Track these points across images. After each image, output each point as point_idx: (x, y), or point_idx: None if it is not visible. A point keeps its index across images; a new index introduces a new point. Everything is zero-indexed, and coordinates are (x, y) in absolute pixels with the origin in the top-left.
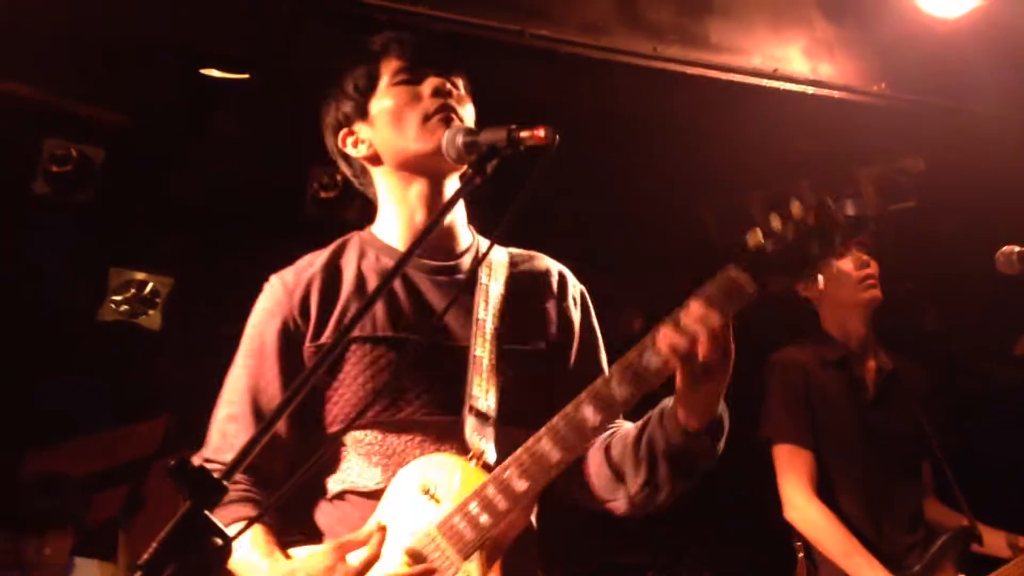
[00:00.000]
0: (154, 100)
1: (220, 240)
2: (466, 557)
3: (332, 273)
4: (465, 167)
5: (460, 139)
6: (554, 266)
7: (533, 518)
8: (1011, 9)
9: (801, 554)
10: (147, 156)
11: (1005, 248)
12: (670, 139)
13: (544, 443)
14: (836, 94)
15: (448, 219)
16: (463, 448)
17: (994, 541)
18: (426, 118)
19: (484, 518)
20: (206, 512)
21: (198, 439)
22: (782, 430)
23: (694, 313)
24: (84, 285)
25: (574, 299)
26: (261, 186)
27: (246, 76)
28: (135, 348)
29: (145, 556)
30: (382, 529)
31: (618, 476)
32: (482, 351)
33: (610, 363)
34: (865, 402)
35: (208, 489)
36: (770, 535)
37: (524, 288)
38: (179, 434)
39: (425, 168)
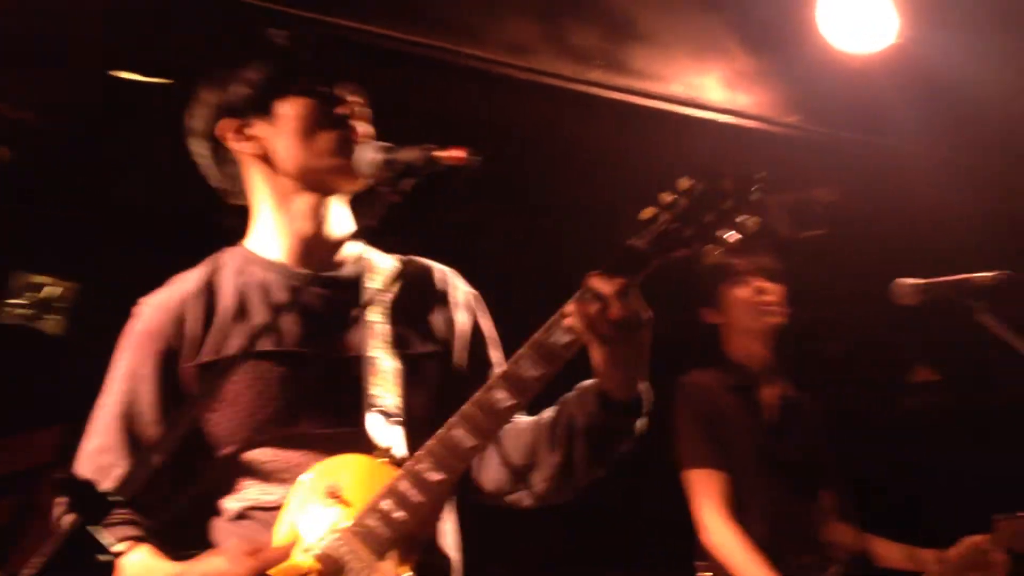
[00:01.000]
0: (65, 100)
1: (128, 246)
2: (381, 556)
3: (208, 291)
4: (357, 190)
5: (376, 156)
6: (440, 269)
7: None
8: (924, 46)
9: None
10: (54, 157)
11: (899, 280)
12: (590, 161)
13: (457, 431)
14: (752, 124)
15: (336, 231)
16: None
17: (893, 554)
18: (341, 140)
19: (398, 513)
20: (91, 528)
21: None
22: (694, 455)
23: (595, 281)
24: None
25: (461, 301)
26: (173, 192)
27: (168, 81)
28: (35, 353)
29: (27, 571)
30: (295, 541)
31: (518, 467)
32: (380, 355)
33: None
34: (767, 427)
35: (96, 505)
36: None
37: (411, 291)
38: (75, 443)
39: (322, 185)
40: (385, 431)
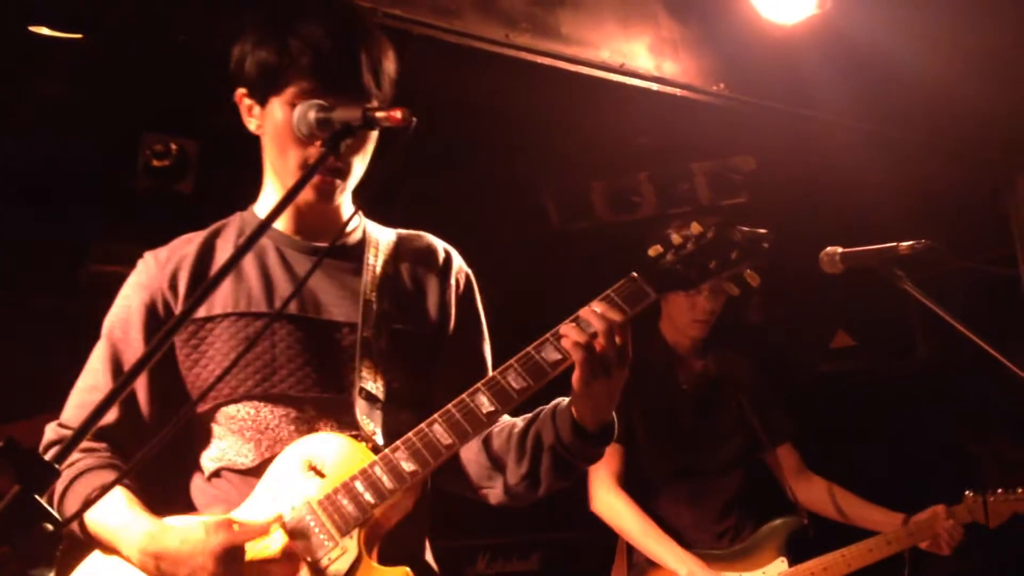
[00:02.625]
0: None
1: (42, 207)
2: (345, 533)
3: (206, 250)
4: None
5: (312, 115)
6: (440, 246)
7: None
8: (847, 18)
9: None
10: None
11: (828, 249)
12: (517, 126)
13: (436, 428)
14: (678, 92)
15: (339, 198)
16: (339, 426)
17: (857, 511)
18: (303, 165)
19: (368, 496)
20: (36, 496)
21: (18, 410)
22: None
23: (596, 310)
24: None
25: (457, 281)
26: (90, 153)
27: (78, 36)
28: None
29: None
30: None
31: (496, 466)
32: (370, 332)
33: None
34: (684, 404)
35: (39, 472)
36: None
37: (409, 268)
38: None
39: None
40: (368, 416)
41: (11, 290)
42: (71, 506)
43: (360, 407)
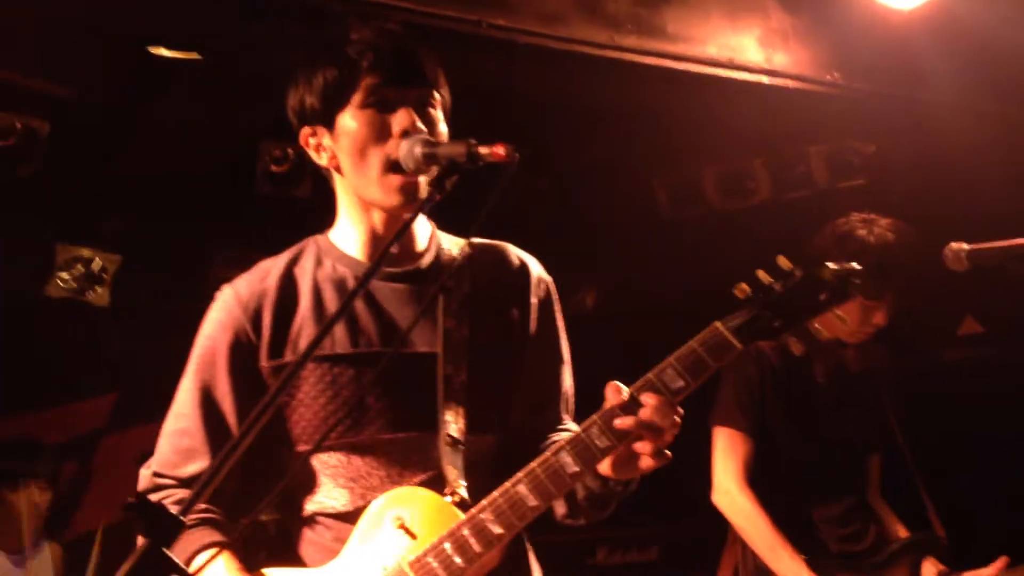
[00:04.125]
0: (101, 75)
1: (168, 216)
2: None
3: (287, 285)
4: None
5: (419, 150)
6: (518, 259)
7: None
8: (964, 2)
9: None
10: (93, 131)
11: (953, 245)
12: (625, 126)
13: (521, 488)
14: (790, 83)
15: (415, 229)
16: (427, 465)
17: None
18: (387, 167)
19: (458, 559)
20: (164, 550)
21: (146, 414)
22: (724, 413)
23: (655, 407)
24: (30, 261)
25: (539, 297)
26: (211, 162)
27: (195, 56)
28: (83, 325)
29: None
30: None
31: None
32: (451, 364)
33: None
34: (819, 398)
35: (166, 525)
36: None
37: (488, 287)
38: (128, 409)
39: (383, 210)
40: (453, 464)
41: (145, 294)
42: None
43: (445, 455)
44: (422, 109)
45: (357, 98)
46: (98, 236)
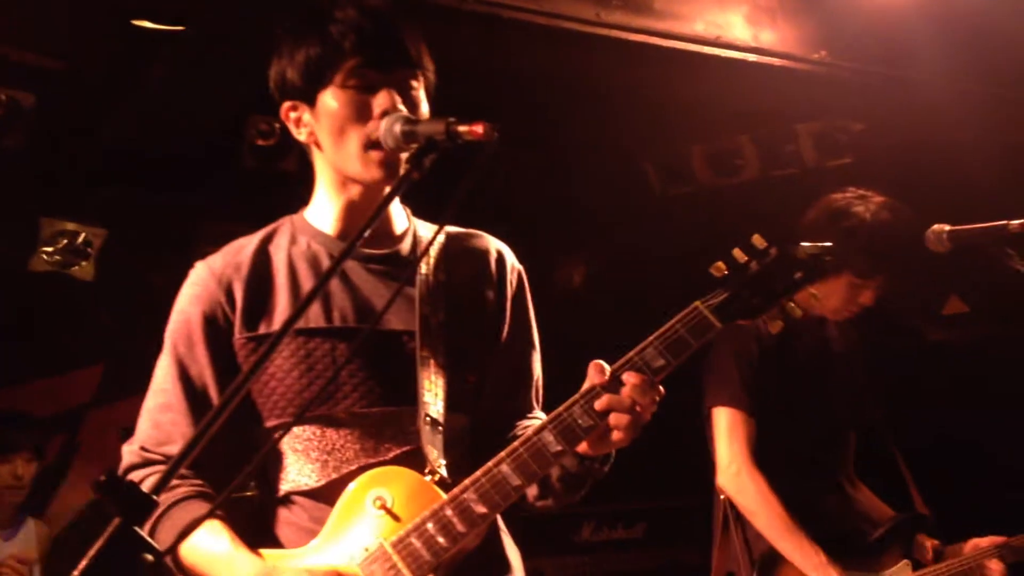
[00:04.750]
0: (87, 47)
1: (154, 190)
2: None
3: (260, 260)
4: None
5: (398, 128)
6: (492, 246)
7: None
8: None
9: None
10: (79, 103)
11: (935, 227)
12: (613, 104)
13: (504, 468)
14: (777, 62)
15: (391, 210)
16: (402, 439)
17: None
18: (367, 145)
19: (441, 539)
20: (135, 528)
21: (132, 387)
22: (727, 393)
23: (636, 386)
24: (14, 234)
25: (511, 283)
26: (197, 136)
27: (180, 28)
28: (68, 298)
29: (75, 573)
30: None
31: None
32: (428, 347)
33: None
34: (803, 375)
35: (138, 504)
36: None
37: (462, 273)
38: (114, 382)
39: (364, 185)
40: (433, 444)
41: (130, 268)
42: (165, 536)
43: (425, 434)
44: (404, 90)
45: (339, 78)
46: (83, 210)
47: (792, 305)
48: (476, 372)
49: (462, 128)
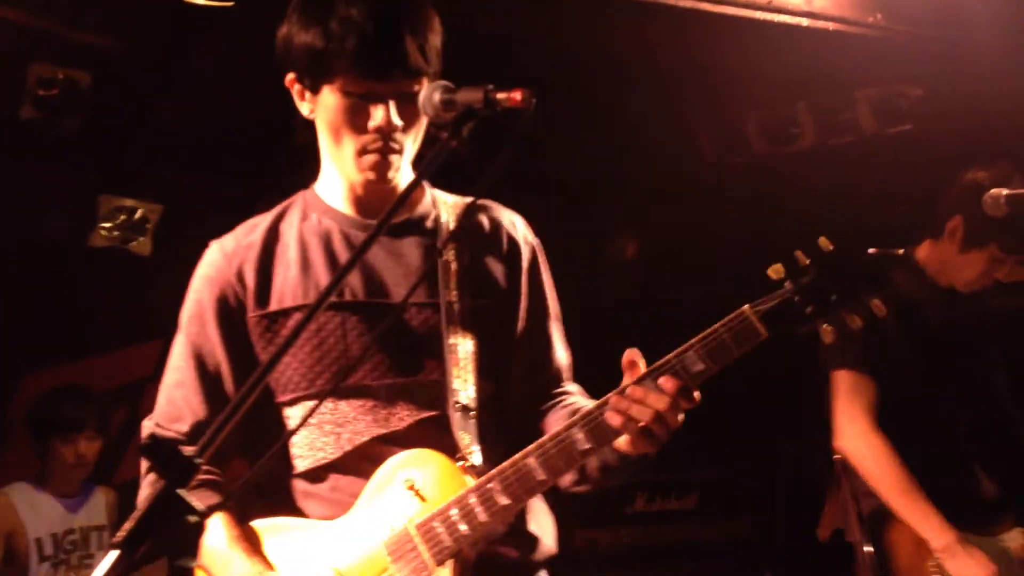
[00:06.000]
0: (140, 25)
1: (209, 166)
2: (440, 563)
3: (271, 239)
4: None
5: (437, 96)
6: (507, 218)
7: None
8: None
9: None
10: (135, 81)
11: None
12: (664, 73)
13: (531, 461)
14: (831, 25)
15: (394, 176)
16: (414, 410)
17: None
18: (362, 152)
19: (463, 527)
20: (179, 490)
21: None
22: (845, 355)
23: (672, 392)
24: (74, 211)
25: (527, 258)
26: (250, 111)
27: (228, 4)
28: (126, 274)
29: (122, 533)
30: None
31: None
32: (456, 334)
33: (566, 309)
34: (935, 345)
35: (181, 468)
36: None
37: (477, 242)
38: None
39: (357, 184)
40: (464, 430)
41: (186, 243)
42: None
43: (456, 421)
44: (403, 101)
45: (339, 81)
46: (140, 186)
47: (853, 317)
48: (500, 350)
49: (500, 96)
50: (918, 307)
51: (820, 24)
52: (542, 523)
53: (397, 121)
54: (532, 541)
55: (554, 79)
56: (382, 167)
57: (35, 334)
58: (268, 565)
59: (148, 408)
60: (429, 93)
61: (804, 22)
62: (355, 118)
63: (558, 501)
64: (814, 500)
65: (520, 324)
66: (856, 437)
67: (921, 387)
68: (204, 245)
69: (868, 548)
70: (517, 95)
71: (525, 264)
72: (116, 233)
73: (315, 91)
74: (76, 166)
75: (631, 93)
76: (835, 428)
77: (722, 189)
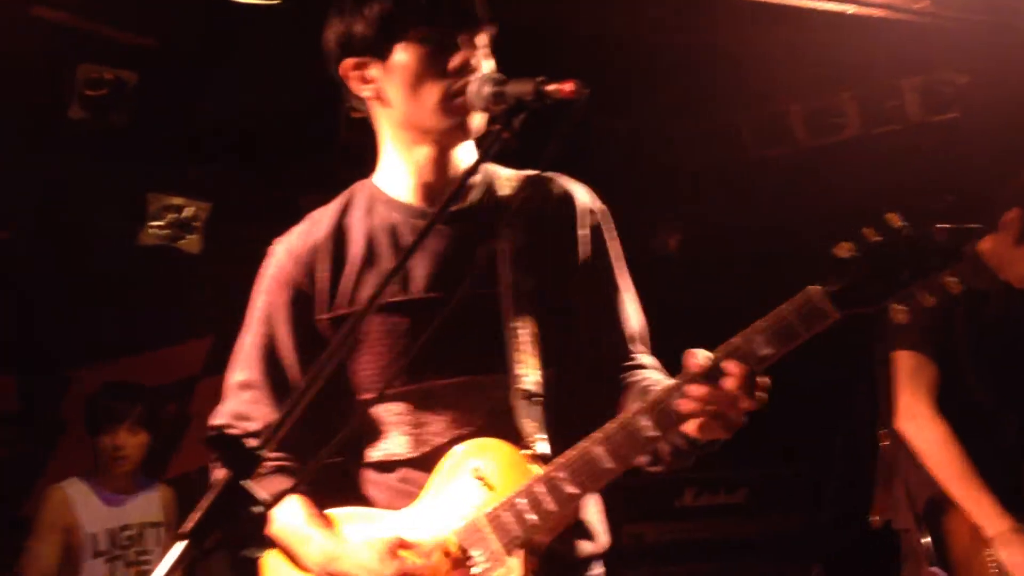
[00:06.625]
0: (184, 23)
1: (256, 163)
2: (509, 552)
3: (339, 236)
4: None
5: (487, 89)
6: (570, 190)
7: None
8: None
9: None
10: (180, 79)
11: None
12: (707, 62)
13: (598, 450)
14: (877, 12)
15: (455, 162)
16: (488, 407)
17: None
18: (448, 96)
19: (531, 516)
20: (244, 482)
21: None
22: (908, 337)
23: (738, 376)
24: (123, 209)
25: (587, 227)
26: (295, 108)
27: (274, 1)
28: (176, 271)
29: (188, 524)
30: (446, 553)
31: None
32: (518, 317)
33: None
34: (1007, 333)
35: (246, 460)
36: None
37: (540, 219)
38: (222, 354)
39: (438, 138)
40: (530, 418)
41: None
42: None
43: (520, 408)
44: (475, 47)
45: (413, 33)
46: (188, 184)
47: (925, 294)
48: (566, 329)
49: (551, 88)
50: (981, 298)
51: (865, 11)
52: (596, 515)
53: (476, 63)
54: (589, 533)
55: (593, 68)
56: (464, 111)
57: (87, 331)
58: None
59: (198, 405)
60: (478, 86)
61: (850, 9)
62: (434, 62)
63: (606, 494)
64: (863, 493)
65: (585, 296)
66: (917, 419)
67: (976, 377)
68: (251, 242)
69: (926, 539)
70: (568, 86)
71: (588, 233)
72: (165, 231)
73: (383, 56)
74: (124, 165)
75: (672, 83)
76: (896, 408)
77: (764, 180)
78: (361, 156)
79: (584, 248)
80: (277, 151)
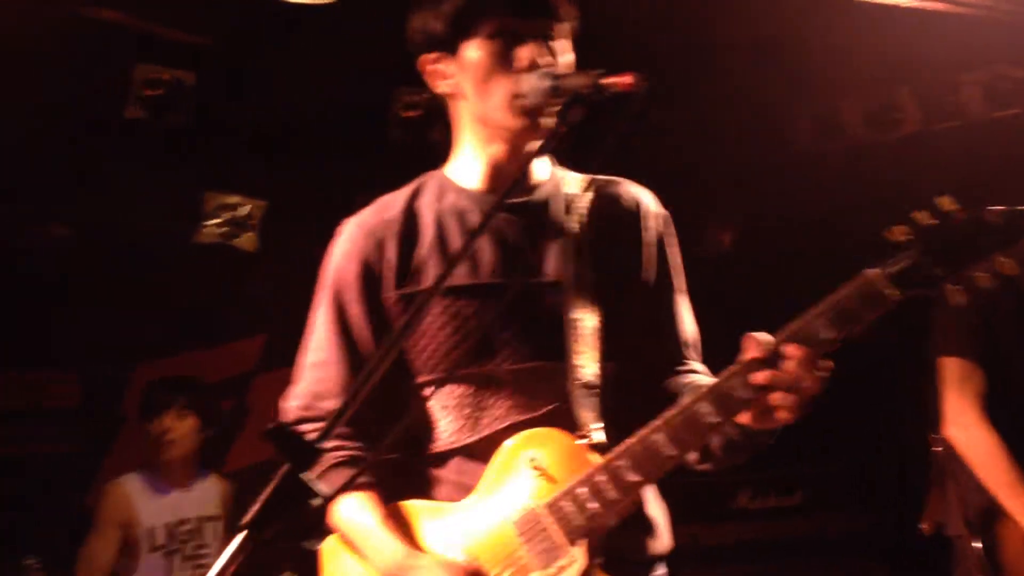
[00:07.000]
0: (238, 23)
1: (310, 161)
2: (573, 543)
3: (410, 218)
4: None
5: (545, 84)
6: (636, 194)
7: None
8: None
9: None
10: (236, 79)
11: None
12: (763, 56)
13: (659, 436)
14: (935, 6)
15: (545, 121)
16: (553, 395)
17: None
18: (515, 96)
19: (593, 504)
20: (302, 476)
21: (293, 356)
22: (953, 342)
23: (799, 360)
24: (180, 208)
25: (653, 233)
26: (347, 108)
27: (325, 1)
28: (232, 269)
29: (247, 516)
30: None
31: None
32: (580, 308)
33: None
34: None
35: (304, 452)
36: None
37: (606, 221)
38: (277, 350)
39: (510, 137)
40: (588, 408)
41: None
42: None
43: (578, 398)
44: (547, 41)
45: (484, 28)
46: (245, 182)
47: (984, 276)
48: (624, 326)
49: (608, 81)
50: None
51: (923, 4)
52: (661, 515)
53: (546, 59)
54: (654, 531)
55: (647, 63)
56: (534, 113)
57: (145, 329)
58: (418, 548)
59: (255, 400)
60: (536, 81)
61: (904, 2)
62: (504, 59)
63: (660, 496)
64: (920, 493)
65: (645, 299)
66: (966, 427)
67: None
68: (306, 240)
69: (977, 544)
70: (627, 79)
71: (652, 238)
72: (222, 229)
73: (456, 52)
74: (181, 164)
75: (727, 77)
76: (944, 417)
77: (820, 176)
78: (411, 155)
79: (648, 251)
80: (331, 150)
